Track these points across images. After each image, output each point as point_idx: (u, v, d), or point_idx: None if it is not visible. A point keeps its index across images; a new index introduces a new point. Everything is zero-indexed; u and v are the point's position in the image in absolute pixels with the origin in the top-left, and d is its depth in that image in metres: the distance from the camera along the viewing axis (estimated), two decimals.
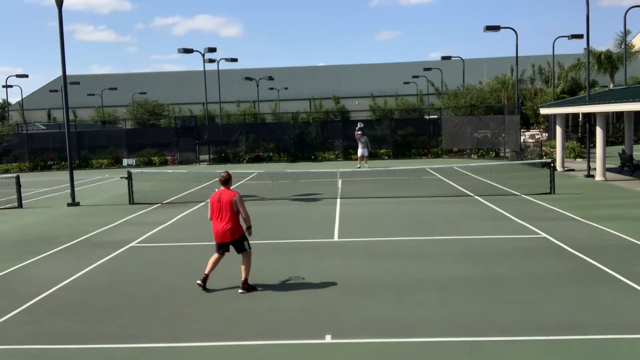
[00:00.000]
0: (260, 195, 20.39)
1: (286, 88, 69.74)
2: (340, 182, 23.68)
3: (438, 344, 6.78)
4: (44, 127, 50.32)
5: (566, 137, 31.25)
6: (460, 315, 7.62)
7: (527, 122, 44.00)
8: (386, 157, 36.70)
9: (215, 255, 9.20)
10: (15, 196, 19.89)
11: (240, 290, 8.96)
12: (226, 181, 9.16)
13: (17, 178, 20.25)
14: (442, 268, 9.86)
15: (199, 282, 9.12)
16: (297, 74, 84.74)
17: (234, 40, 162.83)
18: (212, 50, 42.12)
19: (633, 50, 45.26)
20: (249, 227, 9.06)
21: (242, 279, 9.01)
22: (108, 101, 68.35)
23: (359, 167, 29.28)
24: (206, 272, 9.16)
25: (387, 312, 7.88)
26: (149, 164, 37.65)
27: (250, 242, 9.13)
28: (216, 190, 9.29)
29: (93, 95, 66.45)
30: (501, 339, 6.82)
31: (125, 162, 38.00)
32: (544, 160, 24.38)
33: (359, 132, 29.99)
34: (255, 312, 8.04)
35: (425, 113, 48.75)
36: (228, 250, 9.16)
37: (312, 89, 76.82)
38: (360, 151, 30.05)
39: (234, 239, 9.00)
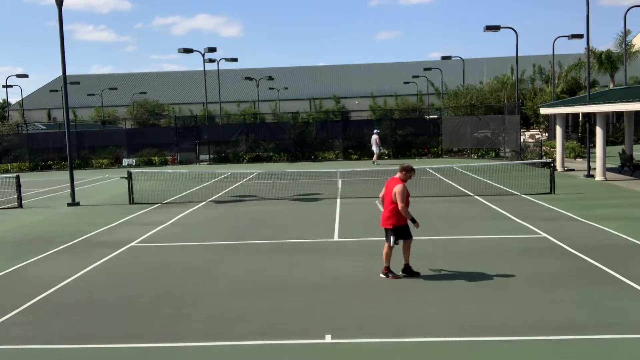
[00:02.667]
0: (260, 195, 20.40)
1: (286, 88, 69.74)
2: (340, 182, 23.67)
3: (438, 344, 6.78)
4: (44, 127, 50.33)
5: (566, 137, 31.26)
6: (460, 315, 7.62)
7: (527, 122, 44.02)
8: (386, 157, 36.70)
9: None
10: (15, 196, 19.90)
11: (400, 273, 9.41)
12: (401, 170, 9.29)
13: (17, 178, 20.25)
14: (442, 268, 9.85)
15: (400, 273, 9.35)
16: (297, 74, 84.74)
17: (234, 40, 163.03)
18: (212, 50, 42.12)
19: (633, 50, 45.25)
20: (412, 220, 9.06)
21: (403, 263, 9.42)
22: (108, 101, 68.36)
23: (377, 164, 32.31)
24: (404, 262, 9.38)
25: (387, 312, 7.88)
26: (149, 164, 37.65)
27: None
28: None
29: (93, 95, 66.50)
30: (501, 339, 6.82)
31: (125, 162, 38.01)
32: (544, 160, 24.39)
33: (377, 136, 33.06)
34: (255, 312, 8.04)
35: (425, 113, 48.73)
36: (402, 237, 9.28)
37: (312, 89, 76.83)
38: (376, 150, 32.95)
39: (385, 227, 9.24)
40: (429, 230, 13.15)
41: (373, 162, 32.69)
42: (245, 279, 9.72)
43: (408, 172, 9.26)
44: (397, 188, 9.03)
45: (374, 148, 32.81)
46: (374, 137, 32.74)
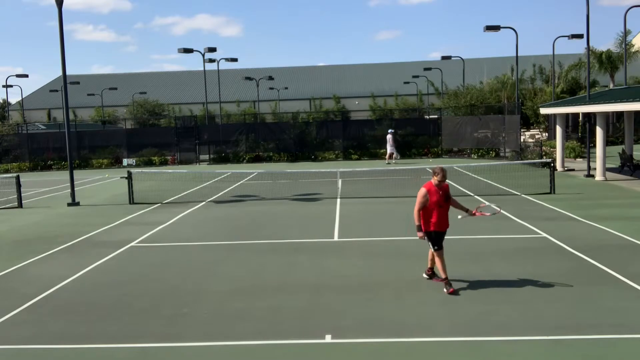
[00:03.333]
0: (260, 195, 20.40)
1: (286, 88, 69.76)
2: (340, 182, 23.67)
3: (438, 344, 6.78)
4: (44, 127, 50.29)
5: (566, 137, 31.24)
6: (460, 315, 7.62)
7: (527, 122, 43.99)
8: (386, 157, 36.71)
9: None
10: (15, 196, 19.90)
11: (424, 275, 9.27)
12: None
13: (17, 178, 20.25)
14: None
15: (424, 275, 9.20)
16: (297, 74, 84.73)
17: (234, 40, 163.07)
18: (212, 50, 42.15)
19: (633, 50, 45.23)
20: (417, 227, 8.71)
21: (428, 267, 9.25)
22: (108, 101, 68.35)
23: (389, 164, 32.28)
24: (428, 265, 9.16)
25: (387, 312, 7.87)
26: (149, 164, 37.65)
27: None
28: None
29: (93, 95, 66.46)
30: (501, 339, 6.82)
31: (125, 162, 38.02)
32: (544, 160, 24.38)
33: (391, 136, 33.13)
34: (255, 312, 8.04)
35: (425, 113, 48.72)
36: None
37: (312, 89, 76.83)
38: (390, 149, 32.95)
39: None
40: None
41: (387, 163, 32.82)
42: (245, 279, 9.72)
43: (434, 174, 8.78)
44: (419, 192, 8.70)
45: (388, 147, 33.02)
46: (388, 137, 33.00)
